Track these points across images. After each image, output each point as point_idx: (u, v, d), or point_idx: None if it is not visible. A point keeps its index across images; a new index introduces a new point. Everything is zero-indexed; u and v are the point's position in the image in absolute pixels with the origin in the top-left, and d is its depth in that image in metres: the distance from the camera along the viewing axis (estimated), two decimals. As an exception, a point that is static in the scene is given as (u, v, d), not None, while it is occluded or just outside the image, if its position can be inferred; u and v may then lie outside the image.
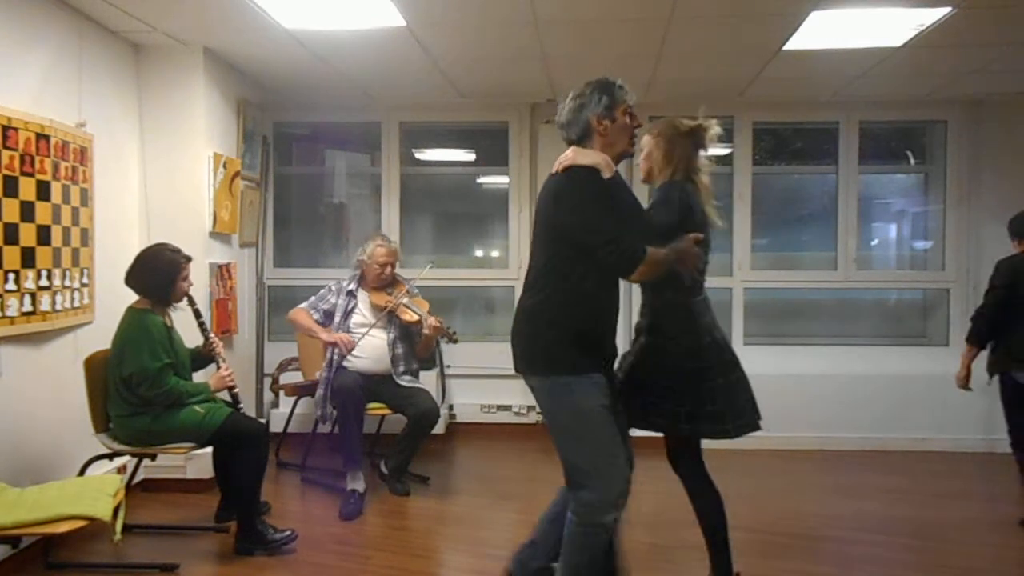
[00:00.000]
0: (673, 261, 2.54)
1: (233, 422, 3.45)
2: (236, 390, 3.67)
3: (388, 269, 4.44)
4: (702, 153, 2.83)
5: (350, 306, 4.44)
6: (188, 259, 3.54)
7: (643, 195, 3.03)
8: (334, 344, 4.29)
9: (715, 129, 2.83)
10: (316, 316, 4.42)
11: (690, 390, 2.71)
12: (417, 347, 4.48)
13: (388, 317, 4.39)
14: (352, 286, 4.48)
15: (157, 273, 3.45)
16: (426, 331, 4.34)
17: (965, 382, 4.13)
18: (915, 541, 3.89)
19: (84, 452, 3.46)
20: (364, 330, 4.34)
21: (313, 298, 4.50)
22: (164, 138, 4.36)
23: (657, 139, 2.83)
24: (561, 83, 5.08)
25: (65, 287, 3.53)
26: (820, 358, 5.61)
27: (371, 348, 4.36)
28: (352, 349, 4.29)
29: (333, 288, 4.51)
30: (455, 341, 4.50)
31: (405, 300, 4.40)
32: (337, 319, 4.40)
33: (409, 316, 4.37)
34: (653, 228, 2.59)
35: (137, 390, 3.33)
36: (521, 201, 5.77)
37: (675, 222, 2.63)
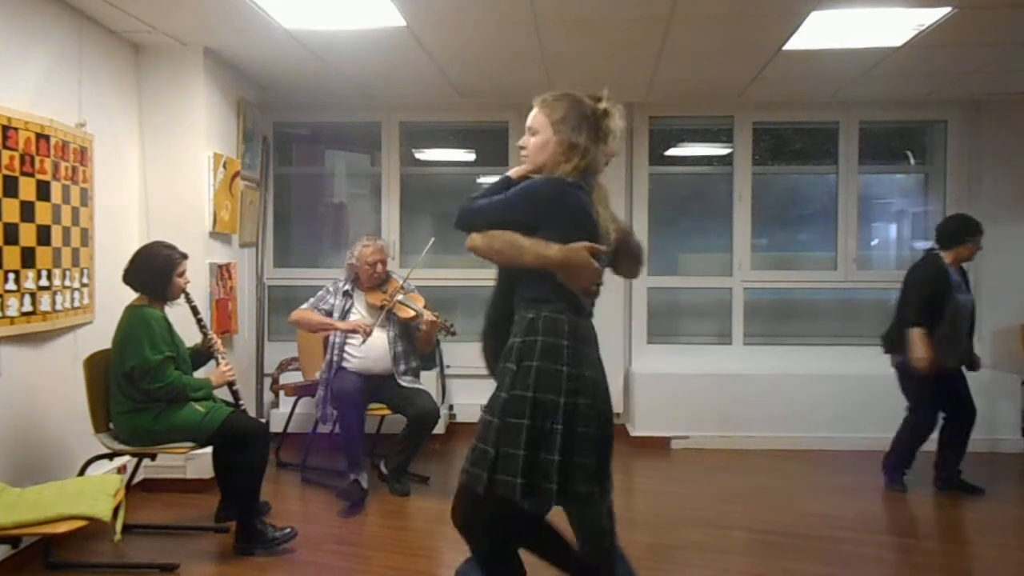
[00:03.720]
0: (563, 266, 2.20)
1: (233, 422, 3.45)
2: (236, 387, 3.68)
3: (379, 267, 4.43)
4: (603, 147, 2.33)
5: (347, 306, 4.44)
6: (184, 256, 3.56)
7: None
8: (353, 330, 4.29)
9: (619, 119, 2.32)
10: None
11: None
12: (417, 342, 4.48)
13: (386, 315, 4.39)
14: (347, 287, 4.48)
15: (153, 269, 3.47)
16: (423, 326, 4.34)
17: None
18: (915, 541, 3.89)
19: (84, 452, 3.46)
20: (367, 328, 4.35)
21: (312, 299, 4.49)
22: (164, 138, 4.36)
23: (557, 123, 2.28)
24: (561, 83, 5.07)
25: (65, 287, 3.53)
26: (820, 358, 5.61)
27: (371, 347, 4.35)
28: (371, 333, 4.29)
29: (331, 288, 4.51)
30: (453, 334, 4.49)
31: (400, 297, 4.40)
32: (336, 319, 4.40)
33: (406, 312, 4.37)
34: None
35: (139, 384, 3.33)
36: (521, 201, 5.75)
37: (521, 220, 2.27)
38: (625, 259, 2.49)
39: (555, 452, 2.12)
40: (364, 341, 4.28)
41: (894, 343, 4.44)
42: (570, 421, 2.14)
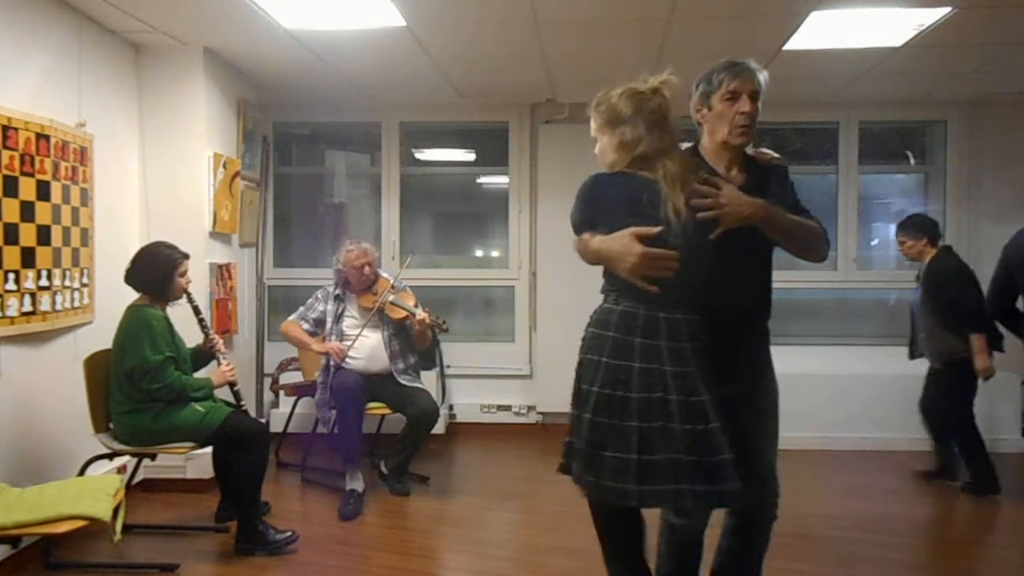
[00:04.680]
0: (604, 258, 2.20)
1: (233, 422, 3.45)
2: (237, 387, 3.68)
3: (366, 269, 4.42)
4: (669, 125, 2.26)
5: (340, 310, 4.44)
6: (185, 256, 3.56)
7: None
8: (325, 354, 4.32)
9: (666, 95, 2.29)
10: (306, 326, 4.42)
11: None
12: (412, 340, 4.48)
13: (379, 316, 4.39)
14: (338, 291, 4.48)
15: (154, 270, 3.47)
16: (416, 325, 4.34)
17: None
18: (915, 541, 3.89)
19: (84, 452, 3.46)
20: (357, 331, 4.35)
21: (301, 308, 4.49)
22: (164, 138, 4.36)
23: (603, 128, 2.29)
24: (561, 83, 5.08)
25: (65, 287, 3.53)
26: (820, 358, 5.61)
27: (367, 348, 4.36)
28: (344, 357, 4.29)
29: (320, 296, 4.50)
30: (446, 331, 4.49)
31: (391, 297, 4.40)
32: (329, 324, 4.40)
33: (398, 313, 4.37)
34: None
35: (139, 384, 3.33)
36: (521, 201, 5.77)
37: (579, 220, 2.29)
38: (783, 241, 2.38)
39: (583, 441, 2.14)
40: (338, 364, 4.28)
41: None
42: (604, 411, 2.10)
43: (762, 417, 2.41)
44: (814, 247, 2.43)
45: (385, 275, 4.58)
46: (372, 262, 4.46)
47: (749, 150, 2.47)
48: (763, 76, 2.40)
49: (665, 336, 2.12)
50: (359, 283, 4.44)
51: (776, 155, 2.54)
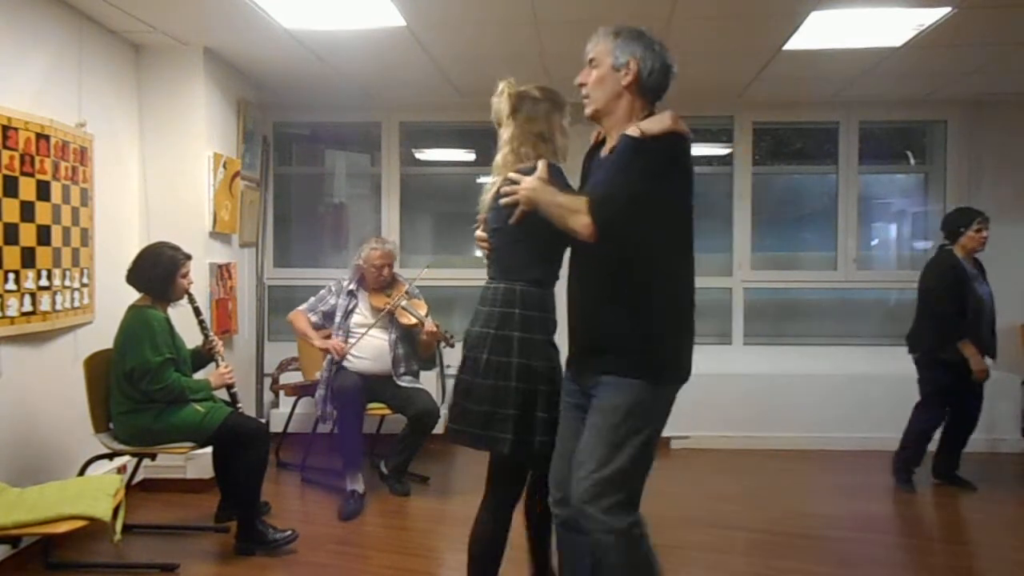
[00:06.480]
0: None
1: (233, 422, 3.45)
2: (235, 389, 3.68)
3: (386, 270, 4.43)
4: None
5: (350, 306, 4.44)
6: (188, 257, 3.56)
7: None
8: (326, 351, 4.32)
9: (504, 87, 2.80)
10: (315, 318, 4.42)
11: None
12: (418, 348, 4.48)
13: (388, 318, 4.39)
14: (352, 286, 4.48)
15: (157, 270, 3.47)
16: (423, 336, 4.34)
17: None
18: (915, 541, 3.89)
19: (84, 452, 3.47)
20: (363, 330, 4.35)
21: (312, 299, 4.50)
22: (164, 138, 4.36)
23: None
24: (561, 83, 5.07)
25: (65, 287, 3.53)
26: (820, 358, 5.61)
27: (372, 349, 4.35)
28: (345, 356, 4.30)
29: (333, 288, 4.51)
30: (452, 345, 4.52)
31: (403, 303, 4.40)
32: (338, 319, 4.40)
33: (407, 320, 4.37)
34: None
35: (139, 384, 3.34)
36: (521, 201, 5.76)
37: None
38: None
39: None
40: (339, 361, 4.29)
41: (915, 340, 4.46)
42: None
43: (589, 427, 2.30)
44: (564, 224, 2.32)
45: (402, 279, 4.59)
46: (392, 264, 4.48)
47: None
48: (598, 39, 2.53)
49: (488, 302, 2.51)
50: (375, 283, 4.44)
51: (650, 127, 2.36)
